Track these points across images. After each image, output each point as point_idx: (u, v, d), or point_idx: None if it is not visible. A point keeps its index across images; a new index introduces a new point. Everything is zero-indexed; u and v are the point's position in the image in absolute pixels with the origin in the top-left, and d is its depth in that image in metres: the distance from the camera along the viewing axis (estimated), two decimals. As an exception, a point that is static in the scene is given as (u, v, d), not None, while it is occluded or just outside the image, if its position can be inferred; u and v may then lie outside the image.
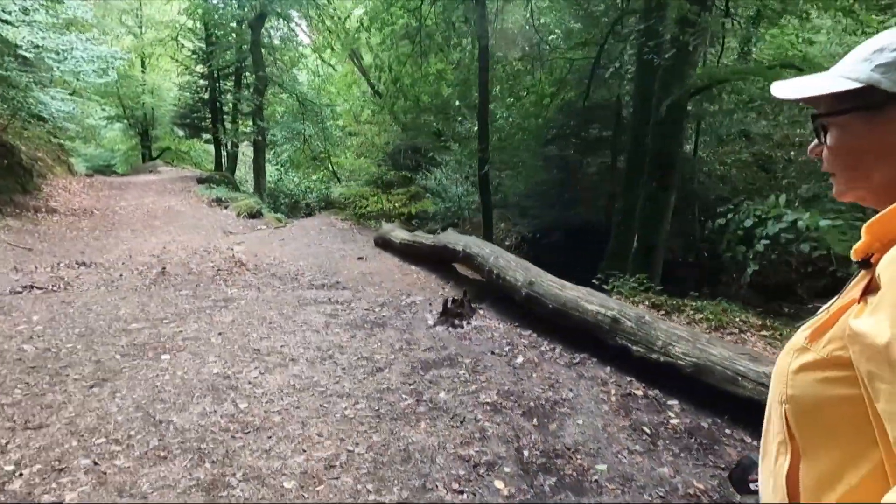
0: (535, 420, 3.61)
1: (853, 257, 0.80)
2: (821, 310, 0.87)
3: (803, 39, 9.06)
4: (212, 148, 26.95)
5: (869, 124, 0.79)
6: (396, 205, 11.41)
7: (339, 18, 20.56)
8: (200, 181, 18.33)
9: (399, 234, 8.78)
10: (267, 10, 17.67)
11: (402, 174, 12.05)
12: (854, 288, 0.78)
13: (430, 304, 6.35)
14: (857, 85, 0.79)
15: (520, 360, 4.69)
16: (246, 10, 17.77)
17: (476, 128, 12.58)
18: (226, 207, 14.09)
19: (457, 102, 11.82)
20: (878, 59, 0.77)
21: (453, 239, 7.31)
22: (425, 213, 12.75)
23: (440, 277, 7.69)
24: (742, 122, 12.52)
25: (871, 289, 0.72)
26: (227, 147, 22.89)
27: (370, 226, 11.42)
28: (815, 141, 0.90)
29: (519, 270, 5.81)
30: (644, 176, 8.80)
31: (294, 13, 21.38)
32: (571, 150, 13.62)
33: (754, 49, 11.27)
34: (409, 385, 4.07)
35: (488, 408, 3.74)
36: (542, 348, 4.98)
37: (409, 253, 8.53)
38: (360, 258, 8.68)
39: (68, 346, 4.55)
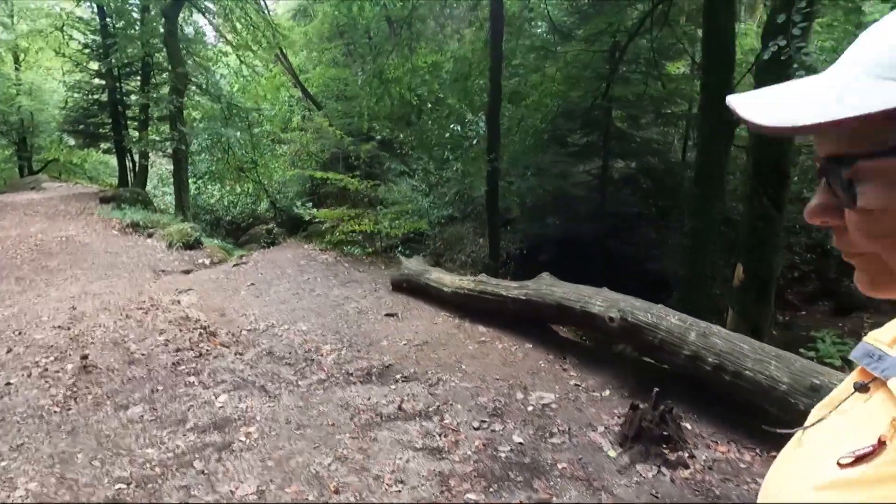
0: None
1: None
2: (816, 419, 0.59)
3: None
4: (112, 159, 22.31)
5: None
6: (385, 225, 8.47)
7: (266, 13, 17.21)
8: (104, 200, 14.26)
9: (443, 277, 5.87)
10: (186, -5, 14.08)
11: (371, 183, 9.17)
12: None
13: (581, 409, 3.64)
14: None
15: None
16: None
17: (453, 131, 9.95)
18: (149, 236, 10.42)
19: (456, 103, 9.08)
20: None
21: (573, 295, 4.58)
22: (415, 236, 9.91)
23: (541, 346, 4.92)
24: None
25: None
26: (131, 157, 18.60)
27: (361, 257, 8.39)
28: (818, 198, 0.54)
29: (771, 362, 3.25)
30: (747, 190, 6.62)
31: (211, 5, 17.75)
32: (564, 157, 11.38)
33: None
34: None
35: None
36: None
37: (466, 305, 5.71)
38: (389, 315, 5.72)
39: None
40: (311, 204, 9.66)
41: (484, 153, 9.39)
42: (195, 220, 16.04)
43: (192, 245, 9.83)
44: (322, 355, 4.73)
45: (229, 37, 17.78)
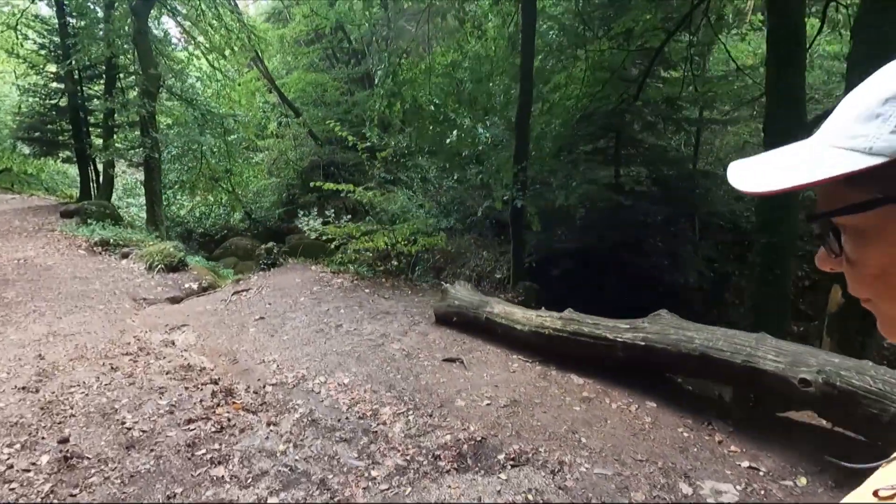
0: None
1: None
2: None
3: None
4: (71, 168, 20.34)
5: None
6: (399, 242, 7.31)
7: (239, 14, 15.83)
8: (66, 214, 12.62)
9: (513, 312, 4.60)
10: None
11: (385, 195, 7.95)
12: None
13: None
14: (875, 161, 0.48)
15: None
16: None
17: (476, 138, 8.83)
18: (124, 256, 8.93)
19: (478, 105, 7.95)
20: None
21: (723, 343, 3.41)
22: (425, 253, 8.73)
23: (668, 406, 3.77)
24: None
25: None
26: (94, 167, 16.83)
27: (380, 280, 7.18)
28: (823, 248, 0.61)
29: None
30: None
31: (181, 7, 16.26)
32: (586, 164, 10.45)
33: None
34: None
35: None
36: None
37: (549, 348, 4.46)
38: (449, 360, 4.52)
39: None
40: (317, 218, 8.33)
41: (507, 162, 8.34)
42: (165, 233, 14.50)
43: (177, 267, 8.42)
44: (384, 423, 3.53)
45: (201, 39, 16.21)
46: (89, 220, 11.36)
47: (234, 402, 3.92)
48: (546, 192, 8.50)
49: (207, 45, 16.06)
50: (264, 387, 4.18)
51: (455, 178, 13.37)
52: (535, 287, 6.85)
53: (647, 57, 8.32)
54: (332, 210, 9.25)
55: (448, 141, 7.72)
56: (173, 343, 5.42)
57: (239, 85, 19.70)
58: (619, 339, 3.88)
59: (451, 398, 3.83)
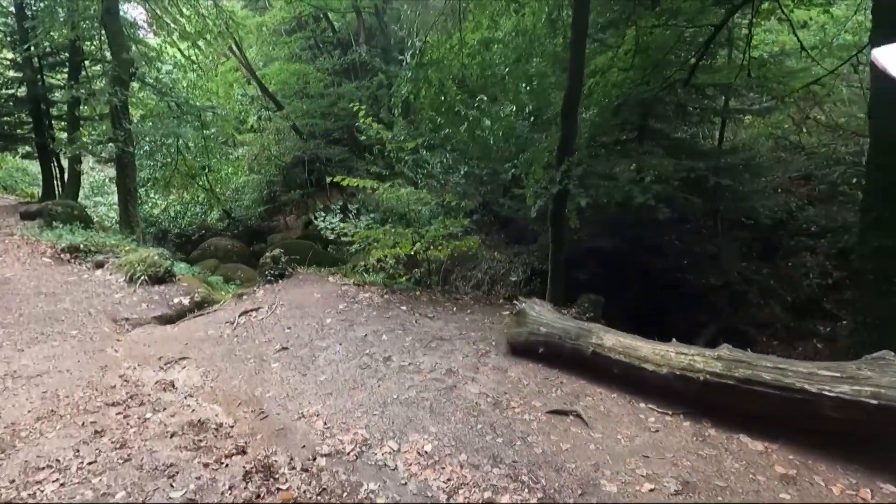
0: None
1: None
2: None
3: None
4: (32, 164, 18.42)
5: None
6: (430, 245, 6.13)
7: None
8: (28, 216, 11.00)
9: (638, 346, 3.26)
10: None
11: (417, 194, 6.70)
12: None
13: None
14: None
15: None
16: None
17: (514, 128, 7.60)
18: (98, 266, 7.48)
19: (518, 89, 6.74)
20: None
21: None
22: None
23: None
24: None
25: None
26: (58, 163, 15.06)
27: (416, 293, 5.97)
28: None
29: None
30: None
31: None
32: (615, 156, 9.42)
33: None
34: None
35: None
36: None
37: (700, 398, 3.27)
38: (558, 412, 3.32)
39: None
40: (335, 215, 7.06)
41: (542, 154, 7.21)
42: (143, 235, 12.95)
43: (163, 278, 7.03)
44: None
45: (174, 26, 14.55)
46: (55, 223, 9.79)
47: (280, 491, 2.69)
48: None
49: (180, 33, 14.39)
50: (314, 459, 2.96)
51: (463, 172, 12.18)
52: (602, 300, 5.73)
53: (693, 39, 7.32)
54: (339, 208, 7.95)
55: (485, 131, 6.54)
56: (173, 385, 4.12)
57: (216, 75, 18.07)
58: (827, 394, 2.74)
59: (592, 477, 2.68)
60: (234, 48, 17.94)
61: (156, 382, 4.17)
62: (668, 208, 8.23)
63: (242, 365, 4.32)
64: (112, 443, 3.19)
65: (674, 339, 3.55)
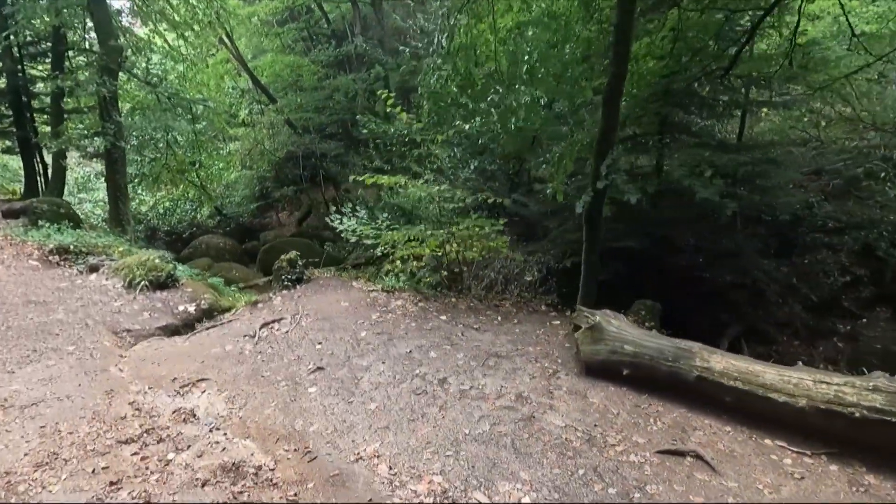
0: None
1: None
2: None
3: None
4: (12, 160, 17.45)
5: None
6: (469, 245, 5.57)
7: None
8: (10, 214, 10.19)
9: (760, 371, 2.71)
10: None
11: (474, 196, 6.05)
12: None
13: None
14: None
15: None
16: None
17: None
18: (94, 270, 6.77)
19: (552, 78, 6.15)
20: None
21: None
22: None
23: None
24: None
25: None
26: (40, 158, 14.14)
27: (452, 300, 5.39)
28: None
29: None
30: None
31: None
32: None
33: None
34: None
35: None
36: None
37: (847, 436, 2.68)
38: (675, 453, 2.73)
39: None
40: (351, 217, 6.42)
41: (578, 148, 6.67)
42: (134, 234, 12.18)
43: (165, 283, 6.35)
44: None
45: (160, 16, 13.69)
46: (41, 222, 9.00)
47: (356, 567, 2.10)
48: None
49: (168, 22, 13.53)
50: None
51: (473, 167, 11.61)
52: (659, 307, 5.21)
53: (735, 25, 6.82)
54: (351, 209, 7.32)
55: (517, 122, 5.97)
56: (193, 415, 3.50)
57: (207, 67, 17.23)
58: None
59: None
60: (226, 39, 17.10)
61: (173, 412, 3.54)
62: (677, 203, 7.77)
63: (273, 389, 3.71)
64: (132, 498, 2.57)
65: (799, 363, 3.04)
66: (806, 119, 11.30)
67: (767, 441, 2.90)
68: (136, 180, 17.16)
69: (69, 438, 3.18)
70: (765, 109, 11.36)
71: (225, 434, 3.28)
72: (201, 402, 3.71)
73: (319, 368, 3.89)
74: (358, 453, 2.89)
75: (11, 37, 11.95)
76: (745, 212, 10.71)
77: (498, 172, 12.37)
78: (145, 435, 3.26)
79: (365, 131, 13.95)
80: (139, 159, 16.03)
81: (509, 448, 2.83)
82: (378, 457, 2.84)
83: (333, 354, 4.12)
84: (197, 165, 17.40)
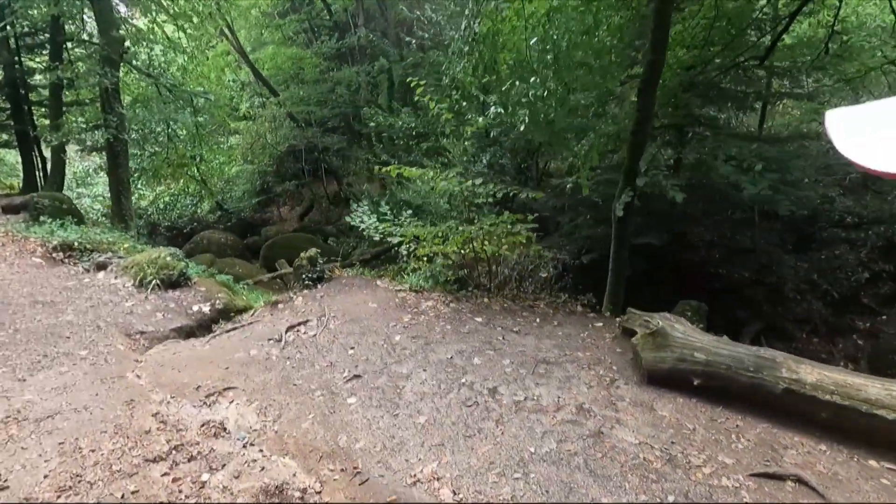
0: None
1: None
2: None
3: None
4: (8, 154, 17.03)
5: None
6: (499, 242, 5.31)
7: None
8: (11, 209, 9.83)
9: (858, 384, 2.41)
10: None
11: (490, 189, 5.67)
12: None
13: None
14: None
15: None
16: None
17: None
18: (101, 268, 6.44)
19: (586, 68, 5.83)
20: None
21: None
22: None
23: None
24: None
25: None
26: (38, 152, 13.72)
27: (480, 301, 5.10)
28: None
29: None
30: None
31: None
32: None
33: None
34: None
35: None
36: None
37: None
38: (772, 476, 2.39)
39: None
40: (371, 215, 6.10)
41: (607, 140, 6.38)
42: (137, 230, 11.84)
43: (177, 282, 6.04)
44: None
45: (157, 7, 13.26)
46: (42, 217, 8.64)
47: None
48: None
49: (166, 12, 13.10)
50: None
51: (486, 161, 11.33)
52: (705, 308, 4.94)
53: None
54: (369, 201, 7.01)
55: (549, 114, 5.66)
56: (224, 428, 3.21)
57: (207, 59, 16.81)
58: None
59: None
60: (227, 30, 16.68)
61: (201, 425, 3.25)
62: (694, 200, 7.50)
63: (308, 399, 3.42)
64: (170, 530, 2.28)
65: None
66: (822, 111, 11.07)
67: (872, 462, 2.63)
68: (135, 174, 16.78)
69: (92, 457, 2.88)
70: (786, 101, 11.10)
71: (261, 451, 2.99)
72: (230, 413, 3.41)
73: (356, 376, 3.60)
74: (414, 475, 2.60)
75: (8, 27, 11.53)
76: (764, 207, 10.46)
77: (508, 166, 12.11)
78: (174, 452, 2.97)
79: (372, 124, 13.61)
80: (139, 153, 15.63)
81: (583, 470, 2.55)
82: (438, 479, 2.55)
83: (369, 360, 3.83)
84: (198, 159, 17.03)
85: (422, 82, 5.28)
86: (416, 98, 6.19)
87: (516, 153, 12.46)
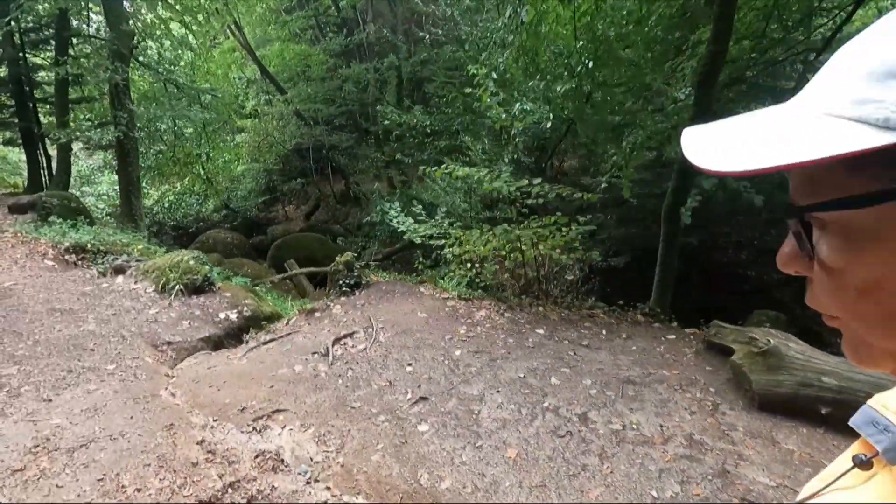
0: None
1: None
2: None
3: None
4: (12, 152, 16.53)
5: None
6: (550, 245, 4.93)
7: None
8: (18, 209, 9.36)
9: None
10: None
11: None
12: None
13: None
14: (891, 138, 0.31)
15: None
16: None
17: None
18: (119, 272, 6.02)
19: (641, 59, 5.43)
20: None
21: None
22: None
23: None
24: None
25: None
26: (44, 150, 13.25)
27: (535, 310, 4.71)
28: (787, 244, 0.43)
29: None
30: None
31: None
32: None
33: None
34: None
35: None
36: None
37: None
38: None
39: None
40: (399, 219, 5.69)
41: (656, 139, 6.00)
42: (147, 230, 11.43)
43: (202, 287, 5.62)
44: None
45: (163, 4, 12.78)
46: (51, 218, 8.21)
47: None
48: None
49: (173, 8, 12.63)
50: None
51: (508, 159, 10.92)
52: (783, 318, 4.56)
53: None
54: (399, 201, 6.61)
55: (597, 108, 5.28)
56: (280, 459, 2.80)
57: (216, 55, 16.38)
58: None
59: None
60: (233, 27, 16.21)
61: (255, 456, 2.84)
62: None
63: (371, 425, 3.01)
64: None
65: None
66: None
67: None
68: (141, 173, 16.33)
69: (138, 497, 2.48)
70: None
71: (328, 488, 2.59)
72: (285, 441, 3.01)
73: (423, 399, 3.20)
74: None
75: (12, 23, 11.07)
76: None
77: (526, 164, 11.73)
78: (230, 491, 2.57)
79: (386, 122, 13.18)
80: (144, 151, 15.19)
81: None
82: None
83: (431, 380, 3.43)
84: (204, 158, 16.61)
85: (477, 70, 4.85)
86: (428, 94, 5.81)
87: (532, 151, 12.10)
